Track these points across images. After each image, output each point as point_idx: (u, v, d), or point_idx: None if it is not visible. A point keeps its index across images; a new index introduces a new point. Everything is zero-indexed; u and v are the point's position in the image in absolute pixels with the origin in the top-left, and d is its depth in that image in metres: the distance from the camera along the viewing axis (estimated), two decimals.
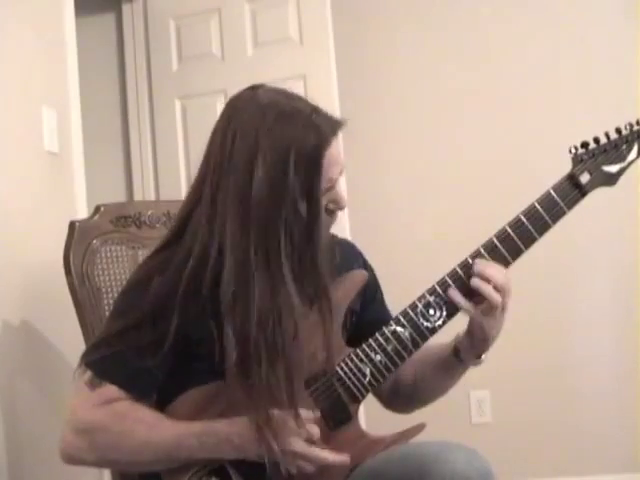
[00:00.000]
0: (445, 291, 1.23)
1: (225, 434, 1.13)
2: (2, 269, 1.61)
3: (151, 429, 1.14)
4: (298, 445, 1.12)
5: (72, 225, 1.52)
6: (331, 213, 1.22)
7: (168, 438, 1.14)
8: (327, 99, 2.71)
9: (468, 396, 2.79)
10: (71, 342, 1.59)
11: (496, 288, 1.19)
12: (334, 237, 1.35)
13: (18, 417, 1.61)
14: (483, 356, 1.28)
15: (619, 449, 2.66)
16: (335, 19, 2.75)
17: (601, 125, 1.33)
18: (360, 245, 1.47)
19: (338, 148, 1.19)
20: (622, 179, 1.32)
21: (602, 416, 2.69)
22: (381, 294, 1.43)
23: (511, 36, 2.86)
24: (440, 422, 2.69)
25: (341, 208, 1.22)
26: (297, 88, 2.72)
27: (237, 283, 1.11)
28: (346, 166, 2.81)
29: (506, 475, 2.67)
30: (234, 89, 1.24)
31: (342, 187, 1.23)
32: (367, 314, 1.35)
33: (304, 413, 1.13)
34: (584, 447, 2.69)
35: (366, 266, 1.41)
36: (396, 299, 1.29)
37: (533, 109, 2.80)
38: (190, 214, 1.20)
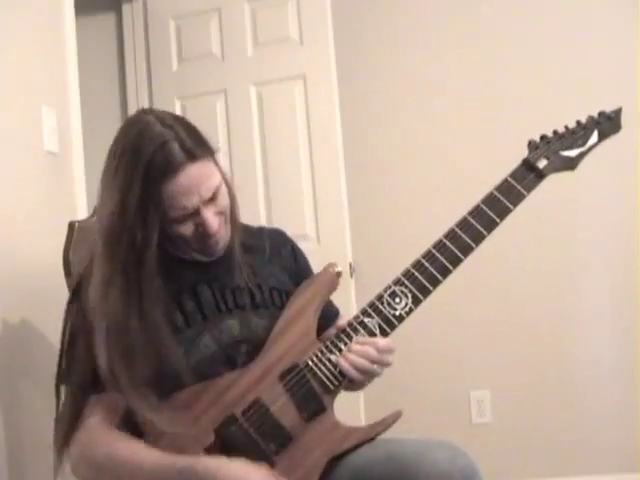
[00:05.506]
0: (409, 279, 1.29)
1: (203, 466, 1.12)
2: (2, 269, 1.61)
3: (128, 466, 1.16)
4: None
5: (72, 225, 1.53)
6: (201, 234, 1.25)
7: (146, 474, 1.14)
8: (327, 99, 2.72)
9: (468, 396, 2.79)
10: None
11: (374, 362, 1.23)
12: (262, 229, 1.47)
13: (18, 417, 1.61)
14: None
15: (619, 449, 2.66)
16: (335, 19, 2.75)
17: None
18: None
19: (194, 179, 1.19)
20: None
21: (602, 416, 2.69)
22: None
23: (512, 37, 2.86)
24: (440, 422, 2.71)
25: (208, 234, 1.25)
26: (297, 88, 2.74)
27: (98, 298, 1.21)
28: (346, 166, 2.80)
29: (506, 475, 2.68)
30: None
31: (211, 213, 1.23)
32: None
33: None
34: (584, 447, 2.69)
35: (295, 251, 1.47)
36: None
37: (533, 110, 2.79)
38: None
